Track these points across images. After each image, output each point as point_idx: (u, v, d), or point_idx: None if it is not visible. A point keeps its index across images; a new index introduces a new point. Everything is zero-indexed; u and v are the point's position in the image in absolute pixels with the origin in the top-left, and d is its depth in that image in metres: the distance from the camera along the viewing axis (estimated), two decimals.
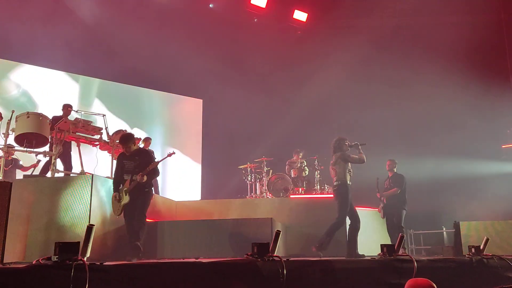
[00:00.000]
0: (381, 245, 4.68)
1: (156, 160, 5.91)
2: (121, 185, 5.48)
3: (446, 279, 4.21)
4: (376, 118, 11.11)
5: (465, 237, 7.45)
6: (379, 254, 4.59)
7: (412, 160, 10.06)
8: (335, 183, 6.33)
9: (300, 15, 12.34)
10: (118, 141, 5.87)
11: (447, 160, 10.35)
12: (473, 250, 5.04)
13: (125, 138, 5.59)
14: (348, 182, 6.22)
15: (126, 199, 5.33)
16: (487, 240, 5.19)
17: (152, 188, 5.72)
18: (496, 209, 9.48)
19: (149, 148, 8.93)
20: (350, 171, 6.29)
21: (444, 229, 9.90)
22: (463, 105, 10.38)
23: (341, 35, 11.57)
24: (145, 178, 5.32)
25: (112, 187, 5.59)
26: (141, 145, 8.86)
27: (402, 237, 4.69)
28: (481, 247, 5.07)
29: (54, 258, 2.77)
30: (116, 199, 5.42)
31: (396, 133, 11.01)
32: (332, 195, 8.68)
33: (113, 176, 5.90)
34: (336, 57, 11.06)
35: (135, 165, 5.48)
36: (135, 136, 6.26)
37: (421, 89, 10.59)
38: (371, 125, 10.99)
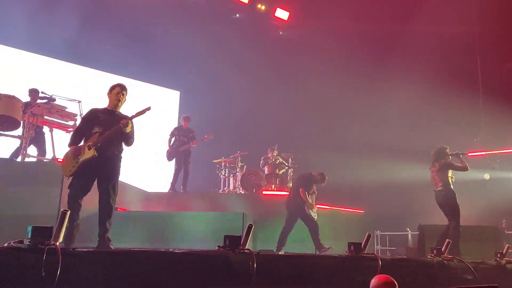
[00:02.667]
0: (348, 243, 4.83)
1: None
2: (84, 140, 4.43)
3: (408, 277, 4.39)
4: (353, 120, 11.35)
5: (430, 240, 7.72)
6: (346, 252, 4.73)
7: (383, 163, 10.38)
8: (439, 189, 6.81)
9: (281, 14, 12.45)
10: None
11: (416, 165, 10.68)
12: (434, 251, 5.25)
13: (121, 85, 4.64)
14: (452, 187, 6.73)
15: (88, 154, 4.21)
16: (449, 242, 5.41)
17: (122, 156, 4.58)
18: (461, 214, 9.85)
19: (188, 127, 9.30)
20: (452, 178, 6.81)
21: (409, 231, 10.23)
22: (432, 113, 10.74)
23: (322, 35, 11.78)
24: (129, 126, 4.30)
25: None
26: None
27: (369, 235, 4.84)
28: (443, 249, 5.28)
29: (26, 242, 2.75)
30: (72, 153, 4.31)
31: (368, 136, 11.27)
32: None
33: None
34: (317, 58, 11.23)
35: (114, 120, 4.42)
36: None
37: (393, 96, 10.87)
38: (349, 127, 11.24)
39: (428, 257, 5.23)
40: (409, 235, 10.22)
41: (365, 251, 4.66)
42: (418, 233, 8.23)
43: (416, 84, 10.65)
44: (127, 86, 4.79)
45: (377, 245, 9.95)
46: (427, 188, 10.59)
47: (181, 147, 9.15)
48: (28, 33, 9.55)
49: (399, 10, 11.43)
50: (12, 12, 9.33)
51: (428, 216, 9.91)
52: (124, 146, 4.60)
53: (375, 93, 11.05)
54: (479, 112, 11.54)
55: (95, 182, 4.44)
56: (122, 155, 4.59)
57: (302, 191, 7.20)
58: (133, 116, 4.42)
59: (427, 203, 10.39)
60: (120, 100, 4.58)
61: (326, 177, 7.49)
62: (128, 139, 4.50)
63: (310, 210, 7.21)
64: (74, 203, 4.23)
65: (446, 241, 5.45)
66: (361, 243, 4.71)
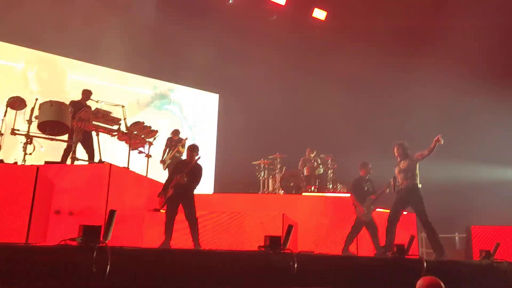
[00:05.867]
0: (392, 245, 4.73)
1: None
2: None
3: (455, 280, 4.25)
4: (397, 120, 11.08)
5: (478, 242, 7.39)
6: (390, 254, 4.65)
7: (431, 164, 10.01)
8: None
9: (319, 14, 12.36)
10: (187, 148, 6.52)
11: (466, 164, 10.31)
12: (483, 254, 5.06)
13: (196, 147, 6.41)
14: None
15: (169, 192, 6.09)
16: (498, 244, 5.20)
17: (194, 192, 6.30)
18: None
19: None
20: None
21: (456, 234, 9.86)
22: (486, 110, 10.28)
23: (360, 35, 11.58)
24: (185, 178, 6.03)
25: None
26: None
27: (412, 237, 4.72)
28: (492, 252, 5.08)
29: (78, 240, 2.91)
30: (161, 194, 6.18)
31: (415, 136, 10.92)
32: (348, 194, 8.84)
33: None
34: (354, 57, 11.06)
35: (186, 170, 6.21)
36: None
37: (444, 94, 10.51)
38: (391, 127, 10.97)
39: (476, 259, 5.05)
40: (457, 237, 9.85)
41: (409, 254, 4.56)
42: (465, 235, 7.92)
43: (468, 83, 10.15)
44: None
45: (422, 247, 9.64)
46: (477, 188, 10.18)
47: None
48: (78, 41, 9.98)
49: (441, 4, 11.01)
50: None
51: (477, 217, 9.51)
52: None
53: (414, 91, 10.74)
54: None
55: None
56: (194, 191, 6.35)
57: (351, 196, 7.23)
58: (186, 171, 6.10)
59: (476, 204, 9.98)
60: (191, 159, 6.26)
61: (365, 163, 7.35)
62: (190, 183, 6.18)
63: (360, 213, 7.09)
64: (169, 222, 5.92)
65: (496, 243, 5.24)
66: (404, 245, 4.61)
